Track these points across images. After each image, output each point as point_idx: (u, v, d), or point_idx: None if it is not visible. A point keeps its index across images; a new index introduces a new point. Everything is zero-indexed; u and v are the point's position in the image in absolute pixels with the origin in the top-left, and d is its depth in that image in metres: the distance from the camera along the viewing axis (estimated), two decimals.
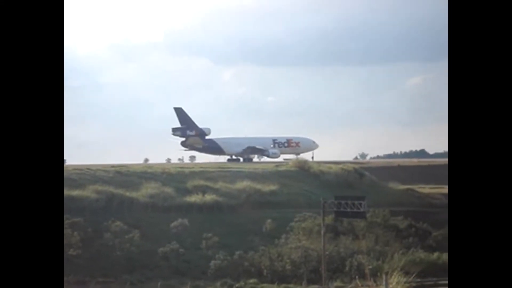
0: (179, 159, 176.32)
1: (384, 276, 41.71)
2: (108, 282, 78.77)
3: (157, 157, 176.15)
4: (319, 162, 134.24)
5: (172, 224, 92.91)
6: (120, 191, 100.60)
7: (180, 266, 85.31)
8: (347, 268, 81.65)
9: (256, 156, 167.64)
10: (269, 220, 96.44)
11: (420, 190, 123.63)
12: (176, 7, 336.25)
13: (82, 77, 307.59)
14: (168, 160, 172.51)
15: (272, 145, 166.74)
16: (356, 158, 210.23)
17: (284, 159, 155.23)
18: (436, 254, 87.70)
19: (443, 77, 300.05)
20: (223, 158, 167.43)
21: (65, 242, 71.74)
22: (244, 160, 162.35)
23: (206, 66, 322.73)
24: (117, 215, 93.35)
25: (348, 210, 70.89)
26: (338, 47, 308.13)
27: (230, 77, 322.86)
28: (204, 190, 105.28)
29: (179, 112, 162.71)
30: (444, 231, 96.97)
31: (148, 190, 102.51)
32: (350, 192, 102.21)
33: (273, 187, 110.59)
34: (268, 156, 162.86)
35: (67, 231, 78.84)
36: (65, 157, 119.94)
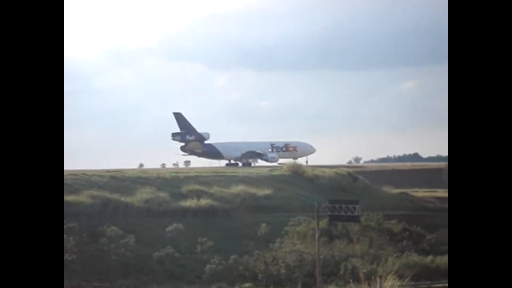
0: (174, 164, 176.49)
1: (378, 280, 42.17)
2: (104, 286, 79.02)
3: (152, 162, 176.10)
4: (313, 166, 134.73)
5: (167, 229, 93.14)
6: (115, 196, 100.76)
7: (175, 271, 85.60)
8: (341, 272, 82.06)
9: (252, 161, 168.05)
10: (263, 224, 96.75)
11: (414, 193, 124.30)
12: (170, 13, 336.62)
13: (77, 82, 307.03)
14: (163, 165, 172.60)
15: (270, 150, 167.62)
16: (350, 162, 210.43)
17: (279, 163, 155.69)
18: (429, 258, 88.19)
19: (437, 81, 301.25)
20: (217, 163, 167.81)
21: None
22: (243, 164, 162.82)
23: (200, 71, 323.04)
24: (112, 220, 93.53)
25: (342, 214, 71.11)
26: (332, 52, 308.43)
27: (224, 82, 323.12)
28: (199, 194, 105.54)
29: (179, 117, 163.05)
30: (438, 234, 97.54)
31: (143, 195, 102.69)
32: (344, 196, 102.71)
33: (267, 191, 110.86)
34: (267, 161, 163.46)
35: None
36: None
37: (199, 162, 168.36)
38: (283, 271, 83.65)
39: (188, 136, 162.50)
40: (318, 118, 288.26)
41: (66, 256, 79.47)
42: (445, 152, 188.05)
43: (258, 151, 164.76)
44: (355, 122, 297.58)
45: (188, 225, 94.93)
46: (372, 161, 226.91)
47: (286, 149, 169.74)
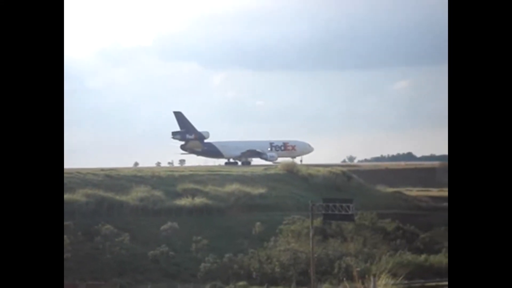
0: (169, 163, 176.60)
1: (372, 278, 42.54)
2: (98, 285, 79.17)
3: (147, 161, 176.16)
4: (307, 165, 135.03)
5: (162, 227, 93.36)
6: (110, 194, 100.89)
7: (170, 269, 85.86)
8: (335, 270, 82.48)
9: (251, 159, 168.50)
10: (258, 223, 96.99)
11: (407, 192, 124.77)
12: (165, 12, 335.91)
13: (72, 81, 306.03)
14: (158, 163, 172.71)
15: (269, 149, 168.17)
16: (344, 161, 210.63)
17: (273, 162, 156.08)
18: (423, 256, 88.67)
19: (431, 81, 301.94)
20: (212, 162, 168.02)
21: None
22: (242, 163, 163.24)
23: (195, 70, 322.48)
24: (107, 218, 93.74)
25: (336, 212, 71.35)
26: (327, 52, 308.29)
27: (220, 81, 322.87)
28: (193, 193, 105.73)
29: (179, 116, 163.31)
30: (431, 233, 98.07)
31: (138, 193, 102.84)
32: (338, 195, 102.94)
33: (262, 190, 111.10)
34: (266, 159, 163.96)
35: None
36: None
37: (194, 161, 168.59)
38: (277, 269, 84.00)
39: (188, 135, 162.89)
40: (312, 118, 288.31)
41: None
42: (438, 151, 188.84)
43: (257, 150, 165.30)
44: (349, 122, 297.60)
45: (183, 224, 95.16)
46: (366, 160, 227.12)
47: (285, 148, 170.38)
